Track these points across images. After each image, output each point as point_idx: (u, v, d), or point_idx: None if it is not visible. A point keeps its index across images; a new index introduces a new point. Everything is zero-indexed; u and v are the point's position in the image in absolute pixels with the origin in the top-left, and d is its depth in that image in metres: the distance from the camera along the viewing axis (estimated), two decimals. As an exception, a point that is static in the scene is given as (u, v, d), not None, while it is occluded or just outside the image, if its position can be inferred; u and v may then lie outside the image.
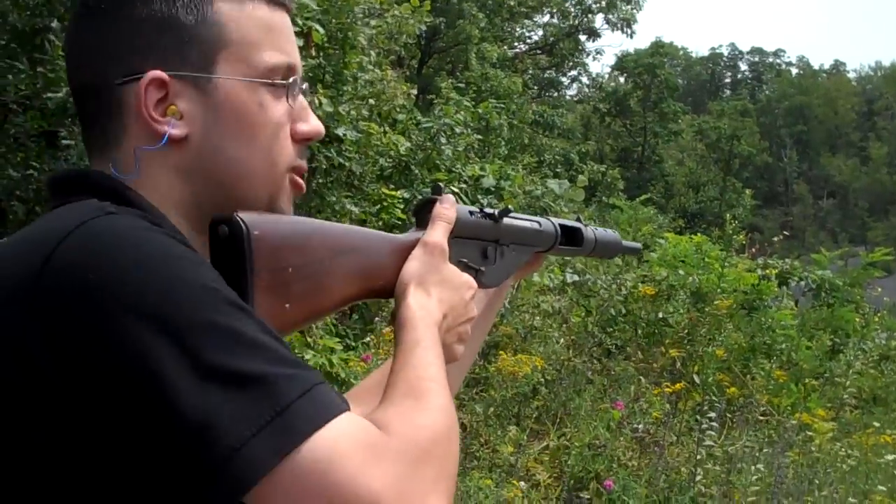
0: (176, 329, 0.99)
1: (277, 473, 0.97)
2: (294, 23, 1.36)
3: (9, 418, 1.02)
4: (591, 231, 1.79)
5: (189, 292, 1.02)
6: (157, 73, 1.19)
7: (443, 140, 10.69)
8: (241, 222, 1.16)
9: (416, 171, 10.17)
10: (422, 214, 1.44)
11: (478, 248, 1.51)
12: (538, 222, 1.65)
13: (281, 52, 1.28)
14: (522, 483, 6.16)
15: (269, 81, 1.26)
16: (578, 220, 1.80)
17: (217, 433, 0.96)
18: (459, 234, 1.45)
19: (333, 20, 8.50)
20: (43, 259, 1.03)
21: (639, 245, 2.07)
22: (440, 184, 1.48)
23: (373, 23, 9.74)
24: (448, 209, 1.42)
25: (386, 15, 10.45)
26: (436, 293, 1.35)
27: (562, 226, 1.72)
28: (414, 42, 21.84)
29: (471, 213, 1.49)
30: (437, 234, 1.39)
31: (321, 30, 7.77)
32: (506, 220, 1.55)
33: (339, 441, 1.00)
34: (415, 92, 12.22)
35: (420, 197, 10.11)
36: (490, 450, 6.61)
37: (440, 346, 1.28)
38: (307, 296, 1.23)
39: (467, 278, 1.42)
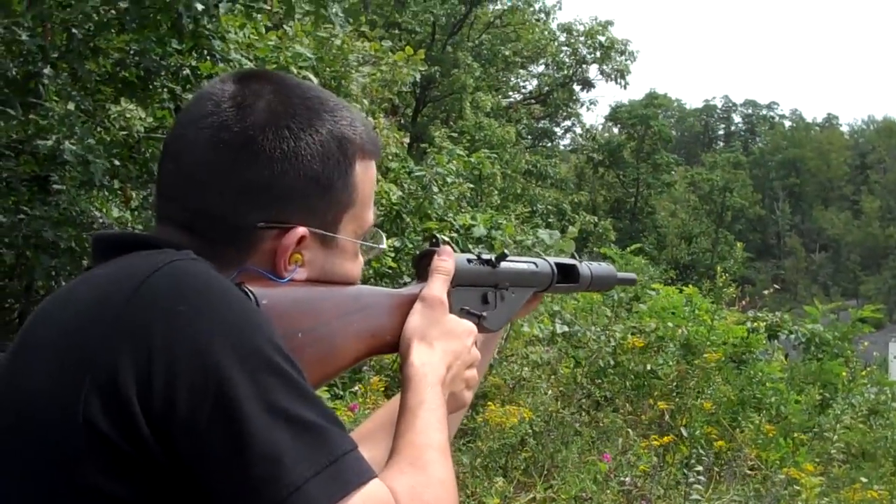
0: (253, 367, 1.11)
1: None
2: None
3: (95, 426, 1.10)
4: (587, 267, 1.84)
5: (263, 340, 1.13)
6: (304, 230, 1.31)
7: (435, 189, 10.72)
8: (249, 293, 1.23)
9: (408, 220, 10.20)
10: (422, 266, 1.49)
11: (478, 294, 1.55)
12: (535, 263, 1.70)
13: (373, 207, 1.43)
14: (509, 536, 6.13)
15: (372, 245, 1.43)
16: (573, 256, 1.85)
17: (282, 469, 1.07)
18: (459, 282, 1.49)
19: (328, 68, 8.57)
20: (134, 287, 1.14)
21: (633, 275, 2.12)
22: (437, 235, 1.52)
23: (366, 70, 9.81)
24: (446, 261, 1.48)
25: (380, 63, 10.53)
26: (439, 346, 1.40)
27: (558, 264, 1.76)
28: (409, 91, 21.97)
29: (469, 260, 1.54)
30: (437, 287, 1.44)
31: (314, 78, 7.82)
32: (503, 265, 1.60)
33: (372, 498, 1.13)
34: (407, 140, 12.29)
35: (411, 246, 10.08)
36: (476, 501, 6.57)
37: (443, 406, 1.36)
38: (319, 359, 1.29)
39: (468, 325, 1.47)
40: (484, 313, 1.54)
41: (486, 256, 1.58)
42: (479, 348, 1.55)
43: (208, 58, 6.96)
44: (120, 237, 1.35)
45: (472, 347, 1.46)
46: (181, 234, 1.29)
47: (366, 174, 1.38)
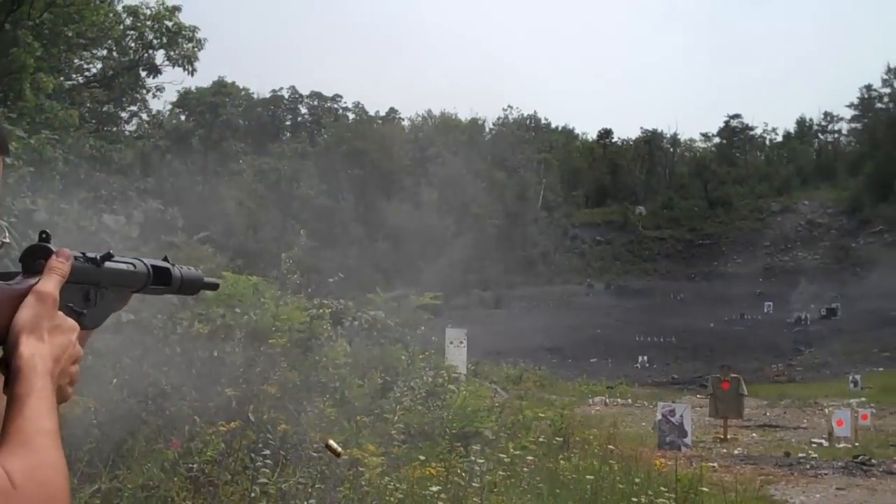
0: None
1: None
2: None
3: None
4: (179, 270, 1.86)
5: None
6: None
7: (-9, 172, 10.19)
8: None
9: (-38, 204, 9.63)
10: (29, 261, 1.47)
11: (81, 291, 1.55)
12: (133, 264, 1.71)
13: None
14: (71, 528, 5.98)
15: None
16: (166, 259, 1.86)
17: None
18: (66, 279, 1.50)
19: None
20: None
21: (218, 280, 2.16)
22: (47, 231, 1.52)
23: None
24: (64, 264, 1.48)
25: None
26: (48, 340, 1.40)
27: (153, 266, 1.78)
28: (-38, 67, 20.65)
29: (76, 257, 1.53)
30: (51, 284, 1.44)
31: None
32: (107, 264, 1.61)
33: None
34: (-39, 120, 11.55)
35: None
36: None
37: (53, 395, 1.37)
38: None
39: (73, 322, 1.48)
40: (84, 311, 1.56)
41: (91, 255, 1.59)
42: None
43: None
44: None
45: (76, 344, 1.48)
46: None
47: None
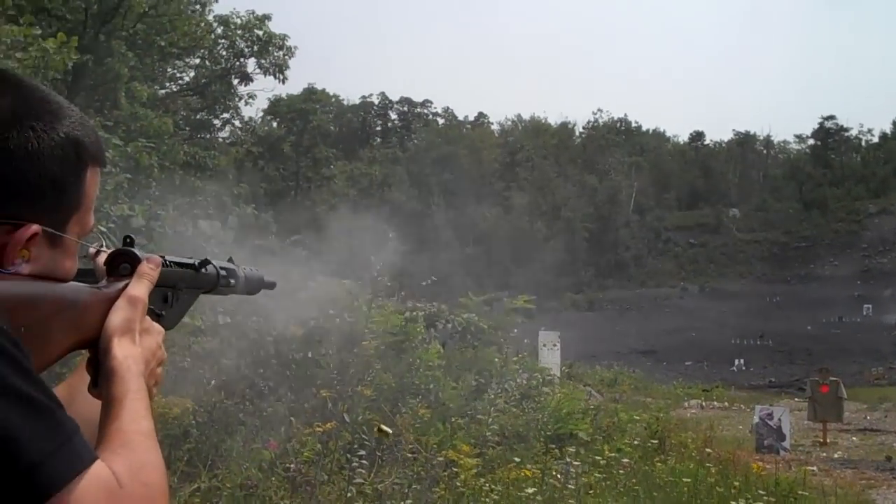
0: None
1: (70, 489, 1.12)
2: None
3: None
4: (242, 271, 1.92)
5: None
6: (38, 228, 1.32)
7: (90, 178, 10.37)
8: None
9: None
10: (115, 265, 1.51)
11: (160, 294, 1.58)
12: (204, 269, 1.74)
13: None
14: (172, 527, 6.05)
15: (87, 245, 1.49)
16: (230, 260, 1.90)
17: (20, 447, 1.09)
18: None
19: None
20: None
21: (274, 280, 2.18)
22: (132, 236, 1.55)
23: (17, 55, 9.36)
24: (154, 269, 1.52)
25: (30, 49, 10.07)
26: (139, 342, 1.44)
27: (222, 267, 1.83)
28: (60, 79, 21.06)
29: (165, 262, 1.57)
30: (142, 289, 1.48)
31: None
32: (174, 268, 1.64)
33: (99, 478, 1.17)
34: (60, 129, 11.77)
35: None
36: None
37: (147, 397, 1.40)
38: (35, 353, 1.27)
39: (159, 325, 1.53)
40: (163, 313, 1.60)
41: (186, 261, 1.65)
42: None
43: None
44: None
45: (162, 346, 1.53)
46: None
47: (93, 180, 1.44)
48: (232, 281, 1.87)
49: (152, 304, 1.53)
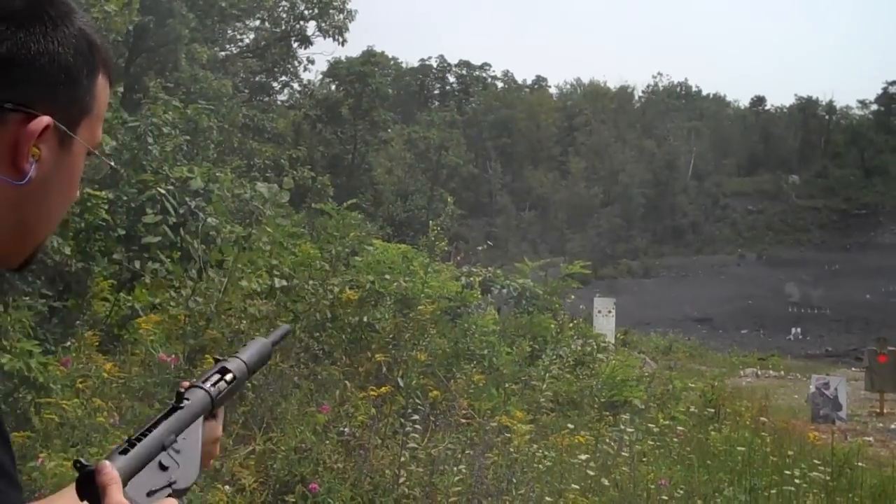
0: None
1: None
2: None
3: None
4: (240, 362, 1.69)
5: None
6: (49, 120, 1.26)
7: (150, 140, 10.45)
8: None
9: (122, 172, 9.90)
10: (86, 489, 1.29)
11: (154, 467, 1.39)
12: (180, 406, 1.51)
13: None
14: (227, 487, 6.11)
15: (96, 153, 1.39)
16: (217, 360, 1.70)
17: None
18: (126, 478, 1.33)
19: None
20: None
21: (287, 327, 1.98)
22: (80, 459, 1.30)
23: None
24: (110, 473, 1.28)
25: (92, 10, 10.13)
26: None
27: (211, 375, 1.63)
28: (121, 40, 21.21)
29: (121, 451, 1.36)
30: (116, 497, 1.27)
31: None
32: (152, 434, 1.42)
33: None
34: (121, 90, 11.87)
35: (125, 198, 9.71)
36: (194, 455, 6.50)
37: None
38: None
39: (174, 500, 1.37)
40: (172, 478, 1.40)
41: (133, 438, 1.38)
42: (208, 437, 1.55)
43: None
44: None
45: None
46: None
47: (104, 89, 1.37)
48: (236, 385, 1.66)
49: (150, 486, 1.36)
